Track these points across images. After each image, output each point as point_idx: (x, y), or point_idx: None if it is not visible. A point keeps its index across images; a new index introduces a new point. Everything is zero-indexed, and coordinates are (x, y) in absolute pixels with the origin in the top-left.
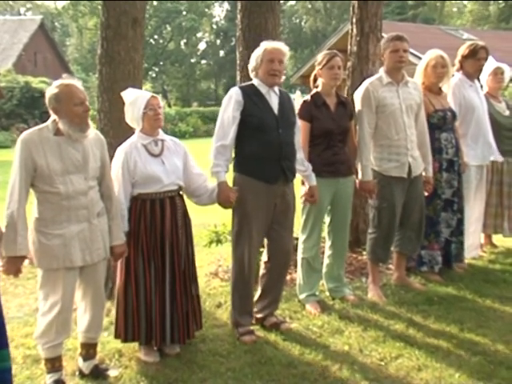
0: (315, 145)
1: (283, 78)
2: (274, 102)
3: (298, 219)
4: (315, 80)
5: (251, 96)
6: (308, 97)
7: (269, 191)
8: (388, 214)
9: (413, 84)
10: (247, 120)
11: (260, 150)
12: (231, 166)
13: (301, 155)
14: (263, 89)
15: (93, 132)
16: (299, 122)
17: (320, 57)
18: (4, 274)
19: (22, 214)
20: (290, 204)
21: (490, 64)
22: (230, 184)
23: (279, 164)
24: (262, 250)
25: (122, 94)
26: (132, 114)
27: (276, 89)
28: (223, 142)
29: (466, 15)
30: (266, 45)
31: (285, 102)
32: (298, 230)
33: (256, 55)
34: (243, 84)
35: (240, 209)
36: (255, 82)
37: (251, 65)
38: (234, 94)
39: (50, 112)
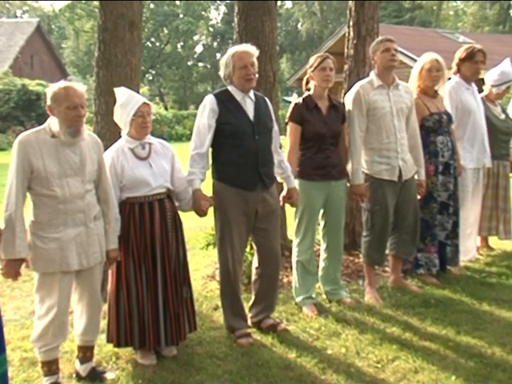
0: (307, 148)
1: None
2: (250, 108)
3: (292, 223)
4: (307, 83)
5: (226, 103)
6: (300, 100)
7: (248, 198)
8: (381, 216)
9: (404, 87)
10: (223, 128)
11: (237, 157)
12: (209, 173)
13: (279, 157)
14: (238, 95)
15: (90, 135)
16: (289, 125)
17: (312, 59)
18: (3, 277)
19: (19, 216)
20: (273, 209)
21: (507, 75)
22: (210, 189)
23: (256, 170)
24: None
25: (116, 90)
26: (120, 117)
27: (251, 94)
28: (199, 150)
29: (463, 18)
30: (233, 50)
31: (261, 107)
32: (292, 234)
33: (226, 62)
34: (217, 91)
35: (221, 215)
36: (230, 88)
37: (223, 73)
38: (209, 102)
39: (47, 110)
